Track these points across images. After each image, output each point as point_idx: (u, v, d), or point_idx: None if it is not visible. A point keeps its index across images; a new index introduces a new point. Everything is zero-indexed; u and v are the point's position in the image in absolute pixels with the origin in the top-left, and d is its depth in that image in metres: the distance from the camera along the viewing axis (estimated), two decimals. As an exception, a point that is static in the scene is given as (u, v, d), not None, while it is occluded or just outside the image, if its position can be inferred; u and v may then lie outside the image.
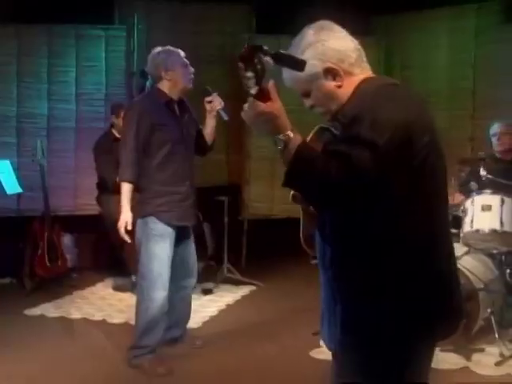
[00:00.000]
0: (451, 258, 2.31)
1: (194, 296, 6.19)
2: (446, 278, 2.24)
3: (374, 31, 8.04)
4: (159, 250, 4.44)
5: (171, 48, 4.51)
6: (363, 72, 2.31)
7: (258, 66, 2.09)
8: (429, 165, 2.16)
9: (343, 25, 7.59)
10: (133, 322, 5.43)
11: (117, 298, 6.34)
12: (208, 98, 4.60)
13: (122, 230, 4.42)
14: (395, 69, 8.01)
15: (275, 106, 2.12)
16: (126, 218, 4.41)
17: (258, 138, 7.69)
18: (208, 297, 6.25)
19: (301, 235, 2.53)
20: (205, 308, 5.86)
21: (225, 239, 6.81)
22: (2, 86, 7.14)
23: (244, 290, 6.56)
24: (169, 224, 4.43)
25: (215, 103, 4.58)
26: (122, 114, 6.44)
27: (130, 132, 4.40)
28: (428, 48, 7.72)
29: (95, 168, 6.64)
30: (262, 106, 2.10)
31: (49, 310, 5.94)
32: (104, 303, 6.19)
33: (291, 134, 2.11)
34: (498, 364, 4.39)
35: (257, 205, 7.78)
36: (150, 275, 4.44)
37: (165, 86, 4.46)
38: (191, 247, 4.75)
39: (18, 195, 6.64)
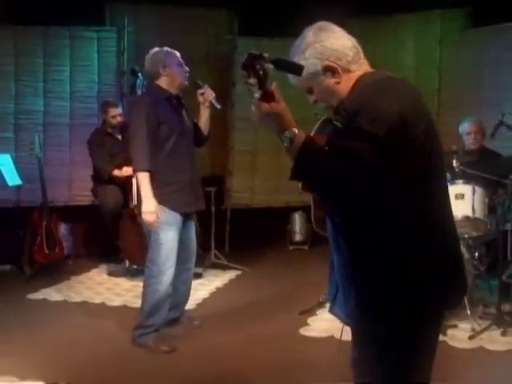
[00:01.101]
0: (455, 233, 2.37)
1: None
2: (453, 254, 2.32)
3: (348, 33, 8.13)
4: (167, 237, 4.48)
5: (168, 49, 4.56)
6: (361, 68, 2.34)
7: (260, 72, 2.16)
8: (427, 150, 2.21)
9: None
10: (131, 305, 5.57)
11: (113, 283, 6.38)
12: (200, 91, 4.66)
13: (150, 219, 4.35)
14: (366, 68, 8.14)
15: (280, 106, 2.18)
16: (152, 206, 4.35)
17: (240, 132, 7.82)
18: (198, 281, 6.29)
19: (312, 219, 2.64)
20: (197, 291, 5.89)
21: (212, 227, 6.88)
22: (1, 85, 7.20)
23: (230, 275, 6.64)
24: (176, 211, 4.48)
25: (207, 94, 4.65)
26: (109, 111, 6.60)
27: (140, 124, 4.38)
28: (397, 50, 7.84)
29: (91, 161, 6.69)
30: (267, 106, 2.16)
31: (50, 294, 5.95)
32: (101, 287, 6.22)
33: (296, 131, 2.16)
34: (470, 338, 4.54)
35: (238, 195, 7.89)
36: (159, 260, 4.49)
37: (163, 82, 4.50)
38: (192, 232, 4.81)
39: (18, 187, 6.65)
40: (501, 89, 6.64)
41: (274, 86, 2.18)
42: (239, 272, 6.74)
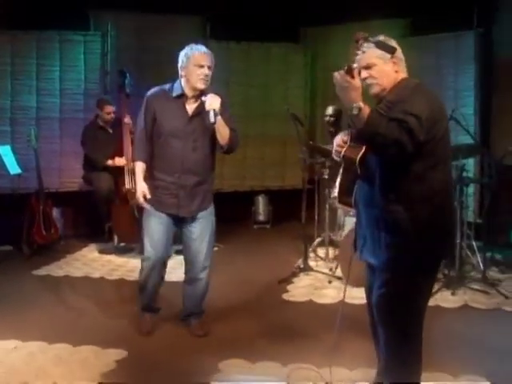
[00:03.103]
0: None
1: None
2: (455, 216, 2.91)
3: (302, 40, 8.45)
4: (150, 226, 4.25)
5: (197, 47, 4.05)
6: (404, 73, 2.89)
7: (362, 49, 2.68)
8: (444, 139, 2.75)
9: (278, 34, 8.10)
10: (127, 278, 5.72)
11: (105, 260, 6.51)
12: (202, 98, 4.02)
13: (140, 199, 4.18)
14: (319, 71, 8.43)
15: (357, 81, 2.61)
16: (141, 188, 4.18)
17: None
18: (180, 257, 6.44)
19: (337, 191, 3.03)
20: (183, 266, 6.10)
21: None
22: (-1, 83, 7.22)
23: None
24: (152, 205, 4.23)
25: (206, 105, 3.94)
26: (105, 108, 6.74)
27: (140, 119, 4.25)
28: (346, 54, 8.12)
29: (84, 150, 6.82)
30: (348, 79, 2.58)
31: (53, 270, 6.05)
32: (97, 264, 6.34)
33: (362, 104, 2.59)
34: (428, 298, 4.96)
35: (209, 181, 8.07)
36: (145, 246, 4.32)
37: (182, 81, 4.09)
38: (193, 234, 4.29)
39: (18, 175, 6.70)
40: (440, 88, 7.03)
41: (355, 67, 2.63)
42: (216, 248, 6.93)
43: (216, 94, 4.01)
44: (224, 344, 4.20)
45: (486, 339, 4.19)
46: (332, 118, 6.23)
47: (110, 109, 6.67)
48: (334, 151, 3.04)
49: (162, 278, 4.50)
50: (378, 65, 2.80)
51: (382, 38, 2.83)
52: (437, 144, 2.69)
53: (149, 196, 4.17)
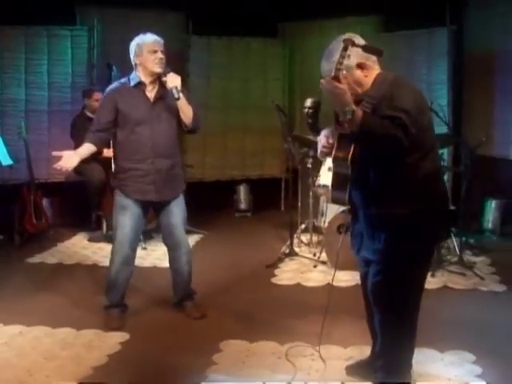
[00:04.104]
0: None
1: (157, 244, 6.44)
2: (449, 201, 3.00)
3: (280, 35, 8.53)
4: (121, 219, 4.21)
5: (147, 36, 4.11)
6: (379, 68, 2.86)
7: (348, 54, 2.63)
8: (430, 128, 2.81)
9: (257, 30, 8.25)
10: (119, 264, 5.75)
11: (96, 247, 6.49)
12: (163, 79, 4.07)
13: (61, 163, 4.09)
14: (296, 64, 8.49)
15: (344, 86, 2.60)
16: (69, 154, 4.18)
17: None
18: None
19: (330, 190, 3.07)
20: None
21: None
22: (-11, 77, 7.14)
23: (195, 238, 6.77)
24: (130, 197, 4.20)
25: (168, 83, 4.03)
26: (94, 95, 6.70)
27: (96, 114, 4.34)
28: (318, 49, 8.17)
29: (74, 143, 6.76)
30: (336, 83, 2.58)
31: (46, 258, 6.04)
32: (88, 251, 6.33)
33: (355, 107, 2.59)
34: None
35: (192, 170, 8.09)
36: (115, 240, 4.27)
37: (138, 70, 4.13)
38: (174, 218, 4.29)
39: (10, 167, 6.64)
40: (413, 81, 7.17)
41: (341, 73, 2.61)
42: (201, 235, 6.98)
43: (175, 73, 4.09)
44: (220, 326, 4.26)
45: (467, 317, 4.33)
46: (310, 110, 6.27)
47: (98, 95, 6.63)
48: (319, 152, 3.06)
49: (132, 271, 4.39)
50: (348, 76, 2.73)
51: (340, 47, 2.68)
52: (425, 134, 2.73)
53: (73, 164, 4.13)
